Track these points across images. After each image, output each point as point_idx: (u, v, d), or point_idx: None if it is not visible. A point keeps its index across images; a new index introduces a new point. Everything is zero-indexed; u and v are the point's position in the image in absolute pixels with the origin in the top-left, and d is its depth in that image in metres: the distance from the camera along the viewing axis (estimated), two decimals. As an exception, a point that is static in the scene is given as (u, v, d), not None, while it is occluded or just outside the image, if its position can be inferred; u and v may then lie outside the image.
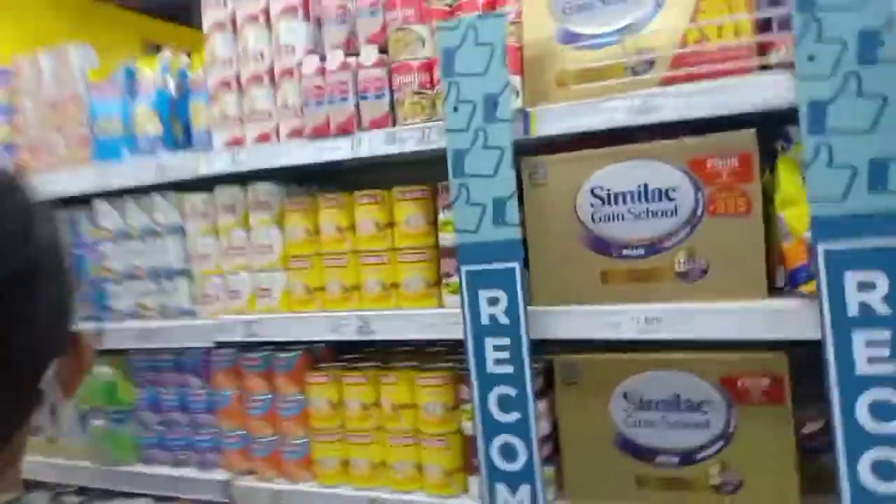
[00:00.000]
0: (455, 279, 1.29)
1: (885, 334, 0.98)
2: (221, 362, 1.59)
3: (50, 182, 1.74)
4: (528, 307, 1.22)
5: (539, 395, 1.29)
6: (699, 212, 1.16)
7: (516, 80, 1.26)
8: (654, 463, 1.23)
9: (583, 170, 1.22)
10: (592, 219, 1.22)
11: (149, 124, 1.65)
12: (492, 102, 1.19)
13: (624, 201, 1.20)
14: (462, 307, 1.24)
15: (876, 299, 0.98)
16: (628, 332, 1.18)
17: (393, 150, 1.34)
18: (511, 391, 1.22)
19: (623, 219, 1.20)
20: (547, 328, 1.23)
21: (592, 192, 1.22)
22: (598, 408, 1.25)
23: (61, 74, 1.76)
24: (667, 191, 1.17)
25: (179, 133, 1.62)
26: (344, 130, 1.39)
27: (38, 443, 1.82)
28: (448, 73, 1.22)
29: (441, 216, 1.36)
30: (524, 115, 1.23)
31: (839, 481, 1.01)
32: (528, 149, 1.26)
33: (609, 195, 1.21)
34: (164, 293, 1.66)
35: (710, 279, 1.16)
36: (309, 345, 1.55)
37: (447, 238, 1.33)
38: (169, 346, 1.64)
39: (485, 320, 1.23)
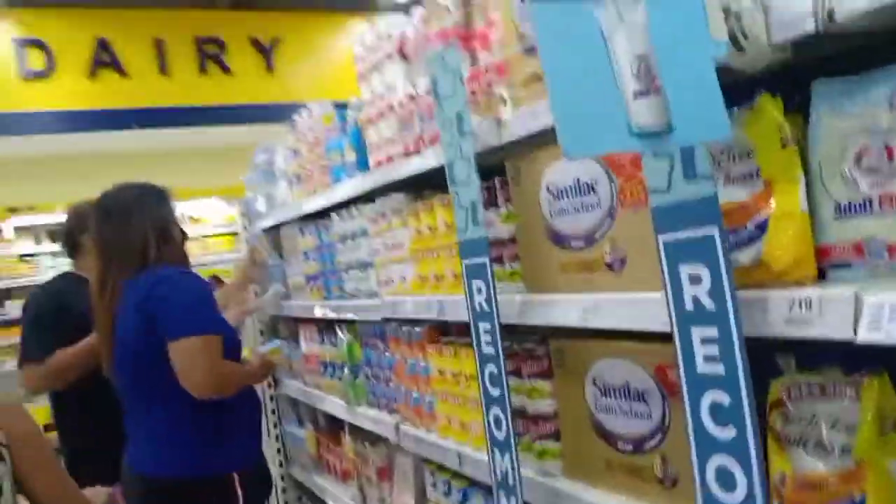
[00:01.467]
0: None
1: (713, 331, 0.90)
2: (389, 332, 2.06)
3: (311, 202, 2.46)
4: (521, 296, 1.37)
5: (547, 376, 1.42)
6: (614, 204, 1.15)
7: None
8: (616, 448, 1.25)
9: (539, 168, 1.31)
10: (550, 213, 1.30)
11: (349, 155, 2.21)
12: (458, 118, 1.38)
13: (566, 196, 1.26)
14: (465, 295, 1.45)
15: (703, 293, 0.91)
16: (573, 321, 1.24)
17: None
18: (494, 369, 1.39)
19: (568, 213, 1.26)
20: (525, 314, 1.36)
21: (548, 188, 1.30)
22: (578, 391, 1.33)
23: (311, 123, 2.46)
24: (591, 184, 1.19)
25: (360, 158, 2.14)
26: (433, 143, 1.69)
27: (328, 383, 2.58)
28: (436, 96, 1.44)
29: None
30: (496, 121, 1.37)
31: (695, 490, 0.96)
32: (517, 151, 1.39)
33: (557, 191, 1.28)
34: (363, 280, 2.21)
35: (630, 270, 1.15)
36: (437, 322, 1.89)
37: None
38: (369, 319, 2.18)
39: (476, 307, 1.42)
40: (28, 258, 6.72)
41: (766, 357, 1.02)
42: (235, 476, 1.94)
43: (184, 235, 2.14)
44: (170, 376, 1.84)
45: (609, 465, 1.27)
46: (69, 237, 2.54)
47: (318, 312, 2.58)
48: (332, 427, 2.80)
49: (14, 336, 5.94)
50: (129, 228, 1.93)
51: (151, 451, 1.94)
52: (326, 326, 2.63)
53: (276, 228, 3.04)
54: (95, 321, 2.02)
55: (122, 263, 1.91)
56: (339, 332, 2.45)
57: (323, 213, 2.48)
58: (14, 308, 6.48)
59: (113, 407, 2.17)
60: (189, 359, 1.82)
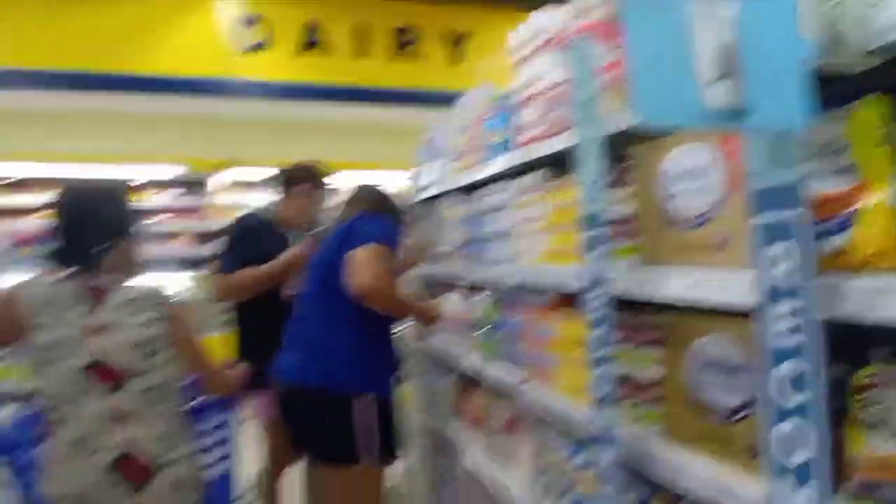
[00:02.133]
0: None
1: (793, 306, 0.99)
2: (520, 298, 2.24)
3: (466, 176, 2.70)
4: (635, 270, 1.50)
5: (657, 345, 1.54)
6: (722, 189, 1.25)
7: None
8: (709, 418, 1.36)
9: (660, 153, 1.42)
10: (665, 196, 1.41)
11: (504, 134, 2.40)
12: (589, 102, 1.52)
13: (680, 180, 1.36)
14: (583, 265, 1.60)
15: (785, 271, 1.00)
16: (679, 293, 1.35)
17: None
18: (601, 332, 1.53)
19: (680, 196, 1.37)
20: (639, 287, 1.49)
21: (665, 173, 1.41)
22: (681, 362, 1.44)
23: (475, 104, 2.67)
24: (706, 168, 1.29)
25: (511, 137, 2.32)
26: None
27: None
28: (573, 83, 1.58)
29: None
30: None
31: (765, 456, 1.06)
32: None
33: (672, 175, 1.38)
34: (504, 249, 2.40)
35: (731, 249, 1.24)
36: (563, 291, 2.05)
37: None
38: (505, 284, 2.38)
39: (591, 275, 1.56)
40: (232, 207, 7.64)
41: (854, 344, 1.09)
42: (363, 398, 2.18)
43: None
44: (343, 293, 2.11)
45: (702, 433, 1.38)
46: (288, 182, 3.01)
47: (463, 277, 2.82)
48: (469, 381, 3.04)
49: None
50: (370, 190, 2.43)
51: (315, 363, 2.19)
52: (470, 290, 2.87)
53: (435, 199, 3.31)
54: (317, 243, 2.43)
55: (358, 209, 2.34)
56: (480, 296, 2.67)
57: (477, 187, 2.70)
58: (213, 248, 7.45)
59: (282, 324, 2.58)
60: (360, 260, 2.07)
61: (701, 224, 1.33)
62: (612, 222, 1.56)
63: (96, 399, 1.75)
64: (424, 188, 3.49)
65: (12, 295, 1.79)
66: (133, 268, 1.97)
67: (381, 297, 2.13)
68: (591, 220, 1.55)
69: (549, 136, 1.92)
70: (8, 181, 7.21)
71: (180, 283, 6.78)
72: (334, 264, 2.17)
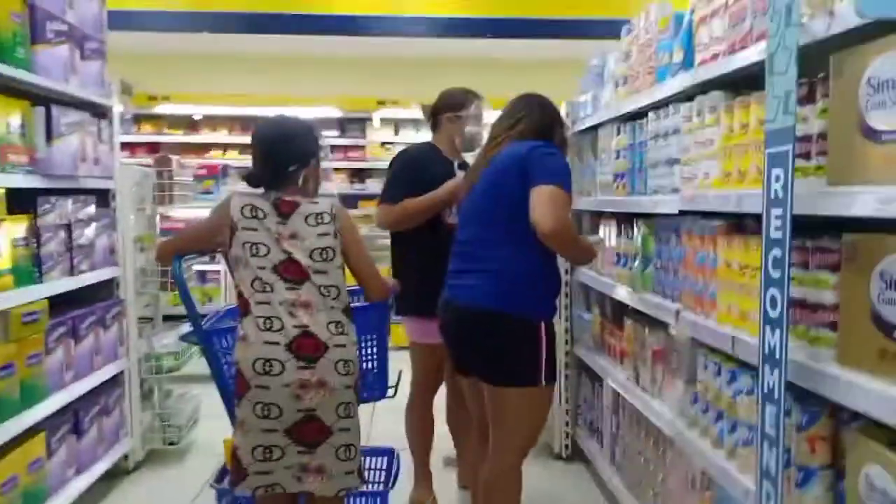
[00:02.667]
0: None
1: None
2: (684, 226, 2.20)
3: (632, 102, 2.64)
4: (821, 188, 1.44)
5: (834, 269, 1.48)
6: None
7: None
8: (892, 338, 1.30)
9: (863, 60, 1.33)
10: (866, 106, 1.33)
11: (677, 55, 2.32)
12: (787, 9, 1.44)
13: (886, 89, 1.28)
14: (763, 184, 1.55)
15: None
16: (869, 210, 1.29)
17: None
18: (778, 252, 1.48)
19: (885, 106, 1.28)
20: (822, 205, 1.43)
21: (868, 81, 1.32)
22: (864, 284, 1.37)
23: (647, 26, 2.59)
24: (915, 75, 1.20)
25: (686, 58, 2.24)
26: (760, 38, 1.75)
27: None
28: (770, -9, 1.51)
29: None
30: (829, 13, 1.41)
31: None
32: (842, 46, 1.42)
33: (878, 83, 1.30)
34: (667, 176, 2.35)
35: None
36: (730, 216, 1.99)
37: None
38: (664, 213, 2.34)
39: (771, 194, 1.51)
40: (388, 145, 7.93)
41: None
42: (542, 324, 2.21)
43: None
44: (522, 222, 2.11)
45: (883, 354, 1.32)
46: (434, 114, 3.08)
47: (621, 207, 2.79)
48: (617, 313, 3.05)
49: (371, 208, 7.19)
50: (535, 109, 2.35)
51: (487, 286, 2.18)
52: (625, 221, 2.84)
53: (595, 130, 3.27)
54: (472, 167, 2.43)
55: (522, 131, 2.29)
56: (636, 227, 2.64)
57: (640, 115, 2.64)
58: (373, 185, 7.77)
59: (442, 252, 2.69)
60: (548, 199, 2.07)
61: (905, 136, 1.25)
62: (800, 140, 1.49)
63: (284, 290, 2.05)
64: (583, 118, 3.45)
65: (226, 202, 2.15)
66: (316, 188, 2.26)
67: (565, 242, 2.20)
68: (776, 135, 1.49)
69: (734, 52, 1.84)
70: (187, 120, 7.89)
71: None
72: (511, 191, 2.16)
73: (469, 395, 2.48)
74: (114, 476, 3.27)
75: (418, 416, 3.09)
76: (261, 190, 2.16)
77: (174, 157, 3.66)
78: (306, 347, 2.00)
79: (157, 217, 3.76)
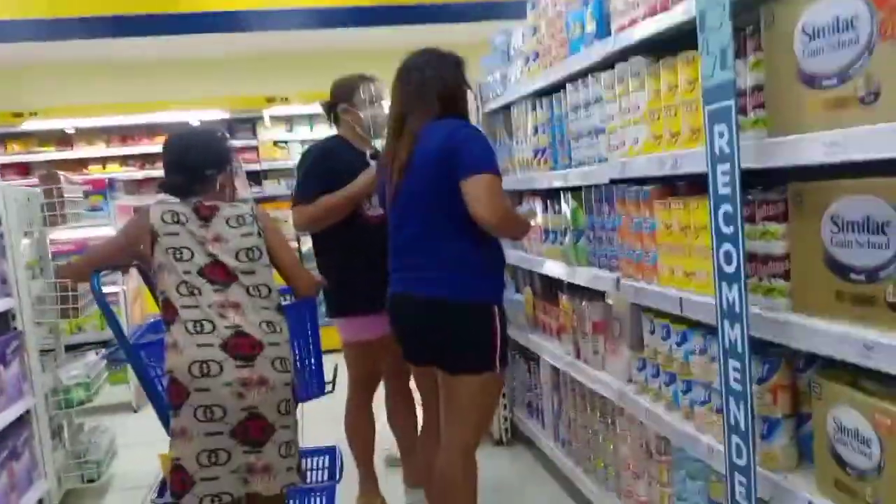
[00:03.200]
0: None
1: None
2: (617, 194, 2.20)
3: (545, 77, 2.62)
4: (765, 140, 1.46)
5: (781, 219, 1.50)
6: (873, 39, 1.18)
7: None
8: (848, 279, 1.32)
9: (796, 10, 1.35)
10: (803, 54, 1.35)
11: (590, 25, 2.32)
12: (716, -35, 1.44)
13: (822, 35, 1.29)
14: (706, 142, 1.55)
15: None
16: (818, 157, 1.31)
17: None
18: (729, 208, 1.49)
19: (822, 52, 1.30)
20: (767, 157, 1.44)
21: (803, 29, 1.34)
22: (814, 229, 1.40)
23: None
24: (851, 20, 1.22)
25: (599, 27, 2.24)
26: None
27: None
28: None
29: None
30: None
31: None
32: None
33: (813, 30, 1.32)
34: (593, 147, 2.35)
35: (884, 102, 1.18)
36: (661, 180, 2.01)
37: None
38: (593, 184, 2.34)
39: (716, 150, 1.52)
40: (281, 144, 7.65)
41: None
42: (496, 308, 2.17)
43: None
44: (461, 209, 2.04)
45: (839, 295, 1.35)
46: (330, 109, 2.93)
47: (545, 182, 2.78)
48: (548, 290, 3.05)
49: (270, 210, 6.91)
50: (426, 82, 2.17)
51: (442, 277, 2.13)
52: (550, 196, 2.83)
53: (507, 108, 3.25)
54: (389, 164, 2.22)
55: (420, 113, 2.15)
56: (563, 201, 2.63)
57: (556, 89, 2.63)
58: (269, 186, 7.49)
59: (366, 247, 2.59)
60: (485, 191, 2.01)
61: (844, 80, 1.27)
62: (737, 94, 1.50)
63: (211, 292, 2.04)
64: (492, 98, 3.42)
65: (144, 211, 2.15)
66: (233, 194, 2.30)
67: (509, 227, 2.23)
68: (715, 91, 1.49)
69: (654, 14, 1.84)
70: (59, 135, 7.30)
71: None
72: (450, 184, 2.06)
73: (421, 384, 2.46)
74: (30, 525, 2.97)
75: (357, 417, 2.97)
76: (177, 200, 2.16)
77: (61, 174, 3.33)
78: (242, 346, 1.99)
79: (48, 240, 3.43)
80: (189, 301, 2.00)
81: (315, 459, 2.76)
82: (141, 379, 2.19)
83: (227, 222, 2.12)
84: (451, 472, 2.22)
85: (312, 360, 2.39)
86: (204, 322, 1.98)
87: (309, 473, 2.62)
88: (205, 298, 2.01)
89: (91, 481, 3.28)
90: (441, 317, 2.13)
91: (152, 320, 2.24)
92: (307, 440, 3.05)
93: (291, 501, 2.41)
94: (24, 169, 6.91)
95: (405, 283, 2.23)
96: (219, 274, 2.05)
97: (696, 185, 1.93)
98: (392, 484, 3.12)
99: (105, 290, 2.29)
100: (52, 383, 3.18)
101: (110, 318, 2.20)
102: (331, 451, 2.75)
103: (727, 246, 1.51)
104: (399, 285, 2.25)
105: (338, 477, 2.55)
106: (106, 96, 7.09)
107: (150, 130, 7.60)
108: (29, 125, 6.97)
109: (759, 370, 1.58)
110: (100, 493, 3.36)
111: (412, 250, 2.20)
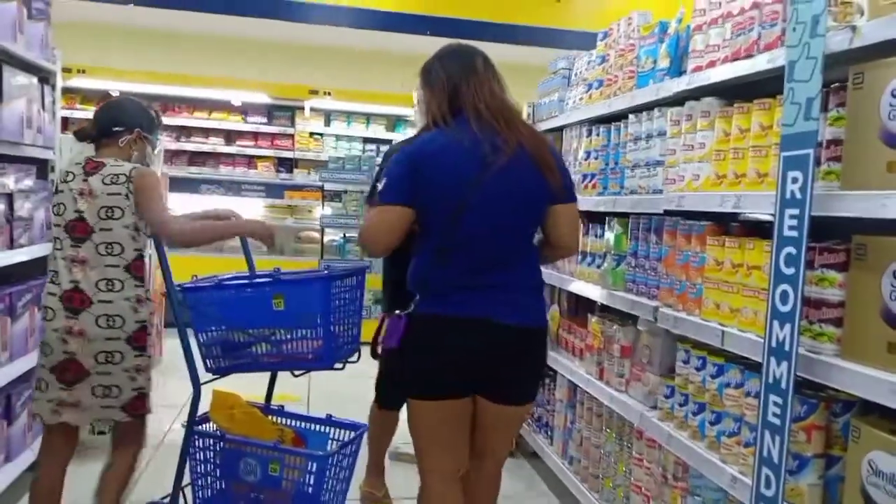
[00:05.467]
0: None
1: None
2: (667, 225, 2.28)
3: (607, 105, 2.71)
4: (839, 191, 1.54)
5: (840, 268, 1.57)
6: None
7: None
8: (902, 333, 1.40)
9: (887, 73, 1.43)
10: (889, 116, 1.43)
11: (663, 61, 2.41)
12: (814, 21, 1.52)
13: (911, 100, 1.38)
14: (777, 186, 1.63)
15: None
16: (891, 213, 1.38)
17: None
18: (793, 250, 1.57)
19: (908, 115, 1.38)
20: (836, 207, 1.52)
21: (892, 93, 1.42)
22: (874, 282, 1.47)
23: (627, 32, 2.67)
24: (944, 88, 1.31)
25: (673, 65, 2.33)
26: (768, 48, 1.84)
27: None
28: (792, 1, 1.59)
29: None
30: (852, 28, 1.50)
31: None
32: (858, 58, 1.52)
33: (902, 95, 1.40)
34: (648, 178, 2.43)
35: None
36: (712, 218, 2.08)
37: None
38: (647, 212, 2.42)
39: (787, 195, 1.59)
40: (317, 136, 7.77)
41: None
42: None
43: None
44: (532, 234, 2.08)
45: (892, 347, 1.42)
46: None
47: (590, 206, 2.86)
48: (573, 309, 3.11)
49: (297, 199, 6.99)
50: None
51: (540, 303, 2.12)
52: (591, 220, 2.91)
53: (559, 130, 3.34)
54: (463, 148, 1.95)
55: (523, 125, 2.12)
56: (608, 225, 2.71)
57: (615, 118, 2.72)
58: (299, 175, 7.59)
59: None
60: (577, 219, 2.14)
61: (926, 145, 1.35)
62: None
63: (69, 247, 2.23)
64: (545, 119, 3.51)
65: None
66: (143, 160, 2.41)
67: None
68: (795, 139, 1.57)
69: (736, 59, 1.93)
70: (103, 96, 7.42)
71: (257, 208, 6.90)
72: (534, 200, 2.00)
73: (450, 427, 2.07)
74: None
75: (386, 413, 3.04)
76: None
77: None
78: (74, 301, 2.20)
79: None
80: (55, 253, 2.25)
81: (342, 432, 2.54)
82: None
83: (103, 180, 2.24)
84: (497, 483, 2.26)
85: (322, 334, 2.23)
86: (57, 273, 2.22)
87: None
88: (62, 252, 2.22)
89: (101, 433, 3.33)
90: (534, 345, 2.09)
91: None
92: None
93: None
94: (64, 124, 6.98)
95: (486, 306, 1.96)
96: (80, 230, 2.22)
97: (745, 227, 2.01)
98: (393, 476, 3.17)
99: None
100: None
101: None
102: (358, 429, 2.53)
103: (785, 286, 1.58)
104: (479, 308, 1.96)
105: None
106: (153, 65, 7.21)
107: (191, 104, 7.71)
108: (76, 82, 7.08)
109: (796, 409, 1.65)
110: (107, 448, 3.41)
111: (495, 266, 1.99)
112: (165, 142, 7.57)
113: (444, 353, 1.97)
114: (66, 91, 7.24)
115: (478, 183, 1.92)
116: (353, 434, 2.45)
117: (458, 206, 1.92)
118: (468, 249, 1.97)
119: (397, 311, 2.05)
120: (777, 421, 1.59)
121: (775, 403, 1.60)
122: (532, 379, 2.13)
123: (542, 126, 3.55)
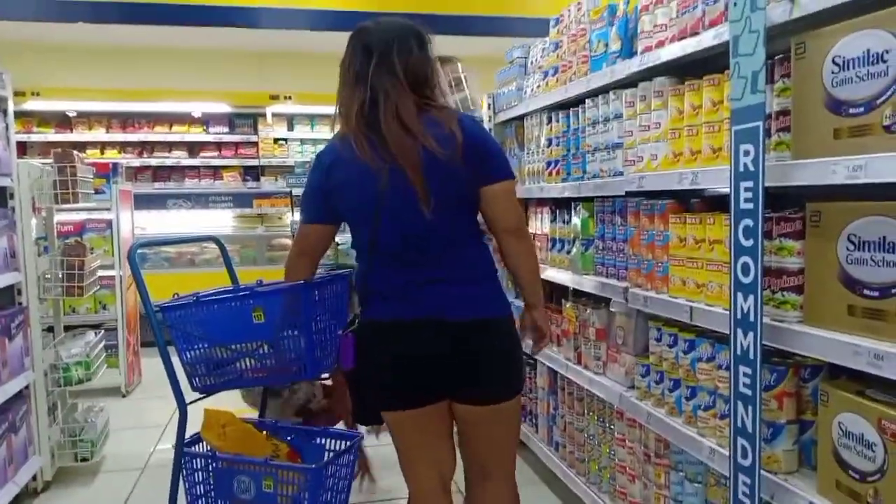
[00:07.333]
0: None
1: None
2: (630, 207, 2.30)
3: (564, 92, 2.72)
4: (789, 161, 1.56)
5: (797, 236, 1.60)
6: (903, 69, 1.29)
7: (798, -27, 1.54)
8: (861, 294, 1.42)
9: (827, 42, 1.45)
10: (832, 83, 1.45)
11: (614, 44, 2.42)
12: (753, -4, 1.54)
13: (852, 66, 1.40)
14: (730, 160, 1.65)
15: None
16: (839, 179, 1.41)
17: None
18: (750, 222, 1.59)
19: (851, 82, 1.40)
20: (789, 176, 1.54)
21: (833, 60, 1.44)
22: (830, 247, 1.49)
23: (578, 17, 2.68)
24: (882, 54, 1.33)
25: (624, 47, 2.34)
26: (713, 24, 1.85)
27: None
28: (732, -22, 1.61)
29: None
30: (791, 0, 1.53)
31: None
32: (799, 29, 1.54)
33: (843, 62, 1.42)
34: (609, 161, 2.45)
35: (908, 130, 1.28)
36: (673, 196, 2.10)
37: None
38: (610, 195, 2.44)
39: (741, 168, 1.61)
40: (281, 142, 7.70)
41: None
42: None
43: None
44: (474, 218, 1.89)
45: (851, 310, 1.45)
46: None
47: (555, 193, 2.87)
48: (550, 297, 3.13)
49: (266, 207, 6.92)
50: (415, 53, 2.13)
51: (490, 291, 1.91)
52: (559, 206, 2.92)
53: (520, 119, 3.34)
54: (390, 139, 1.81)
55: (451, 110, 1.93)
56: (574, 211, 2.73)
57: (573, 104, 2.73)
58: (266, 183, 7.52)
59: None
60: (509, 199, 1.88)
61: (871, 109, 1.37)
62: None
63: None
64: (506, 108, 3.52)
65: None
66: None
67: (525, 232, 2.00)
68: (744, 112, 1.59)
69: (683, 38, 1.95)
70: (59, 117, 7.27)
71: (226, 220, 6.82)
72: (471, 182, 1.83)
73: (424, 433, 1.98)
74: (22, 498, 2.98)
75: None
76: None
77: (74, 153, 3.37)
78: None
79: (54, 218, 3.46)
80: None
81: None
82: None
83: None
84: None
85: (305, 344, 2.08)
86: None
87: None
88: None
89: (84, 460, 3.29)
90: (480, 339, 1.87)
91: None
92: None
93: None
94: (21, 149, 6.86)
95: (428, 304, 1.85)
96: None
97: (707, 202, 2.04)
98: (394, 476, 3.16)
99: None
100: (52, 360, 3.20)
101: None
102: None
103: (745, 258, 1.60)
104: (422, 307, 1.85)
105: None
106: (110, 81, 7.11)
107: (150, 119, 7.61)
108: (30, 105, 6.96)
109: (766, 378, 1.67)
110: (92, 473, 3.37)
111: (429, 260, 1.86)
112: (128, 158, 7.47)
113: (394, 359, 1.87)
114: (21, 114, 7.13)
115: (385, 185, 1.79)
116: (348, 444, 2.42)
117: (374, 212, 1.82)
118: (396, 250, 1.86)
119: (342, 331, 1.97)
120: (748, 391, 1.61)
121: (745, 374, 1.62)
122: (500, 374, 1.92)
123: (503, 116, 3.55)
